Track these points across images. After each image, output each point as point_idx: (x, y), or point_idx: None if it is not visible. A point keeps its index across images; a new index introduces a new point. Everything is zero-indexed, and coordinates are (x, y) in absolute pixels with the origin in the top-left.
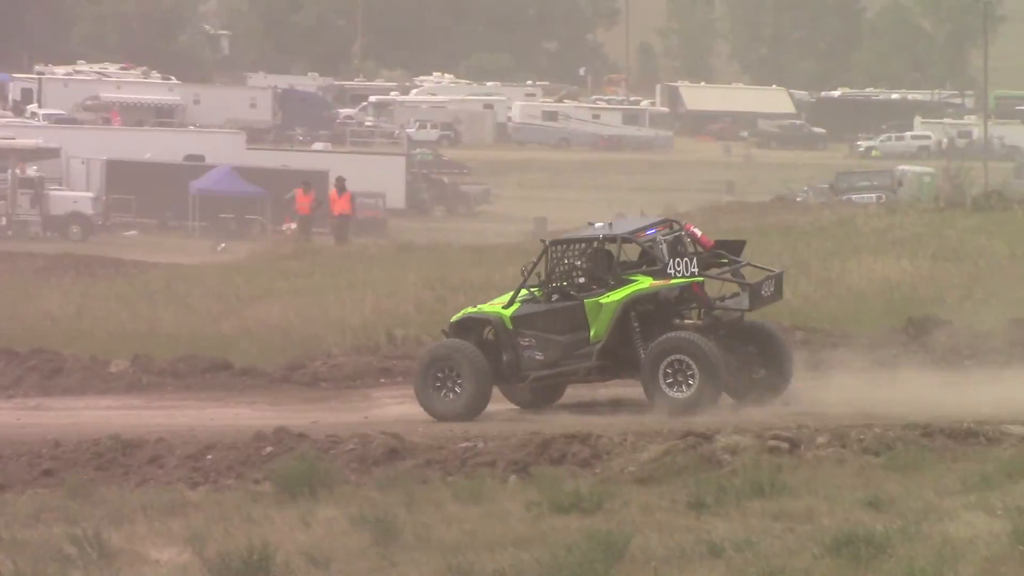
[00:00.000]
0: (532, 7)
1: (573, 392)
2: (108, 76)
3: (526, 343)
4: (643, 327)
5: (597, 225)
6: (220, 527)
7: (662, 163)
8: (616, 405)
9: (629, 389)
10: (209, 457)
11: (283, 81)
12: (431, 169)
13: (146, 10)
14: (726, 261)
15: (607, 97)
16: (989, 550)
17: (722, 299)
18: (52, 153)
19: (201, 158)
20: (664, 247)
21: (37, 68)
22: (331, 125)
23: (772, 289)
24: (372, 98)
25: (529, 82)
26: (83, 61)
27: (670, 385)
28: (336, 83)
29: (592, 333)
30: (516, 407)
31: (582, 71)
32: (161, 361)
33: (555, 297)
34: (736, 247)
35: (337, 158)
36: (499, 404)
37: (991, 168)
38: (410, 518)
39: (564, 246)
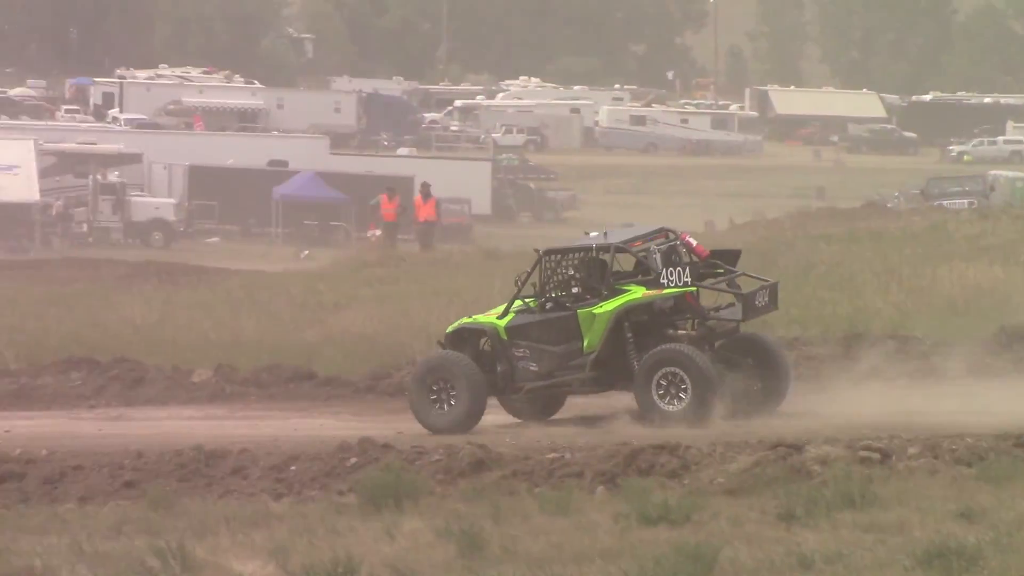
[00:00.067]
0: (620, 10)
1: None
2: (190, 80)
3: (520, 354)
4: (637, 338)
5: (592, 235)
6: (304, 539)
7: (751, 168)
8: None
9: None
10: (293, 468)
11: (368, 85)
12: (517, 174)
13: (229, 13)
14: (722, 271)
15: (695, 101)
16: None
17: (717, 309)
18: (134, 159)
19: (284, 163)
20: (658, 257)
21: (118, 72)
22: (416, 130)
23: (766, 299)
24: (458, 102)
25: (616, 86)
26: (165, 65)
27: (663, 397)
28: (421, 87)
29: (585, 344)
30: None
31: (670, 75)
32: (244, 371)
33: (549, 307)
34: (732, 257)
35: (422, 163)
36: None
37: None
38: (496, 530)
39: (558, 256)
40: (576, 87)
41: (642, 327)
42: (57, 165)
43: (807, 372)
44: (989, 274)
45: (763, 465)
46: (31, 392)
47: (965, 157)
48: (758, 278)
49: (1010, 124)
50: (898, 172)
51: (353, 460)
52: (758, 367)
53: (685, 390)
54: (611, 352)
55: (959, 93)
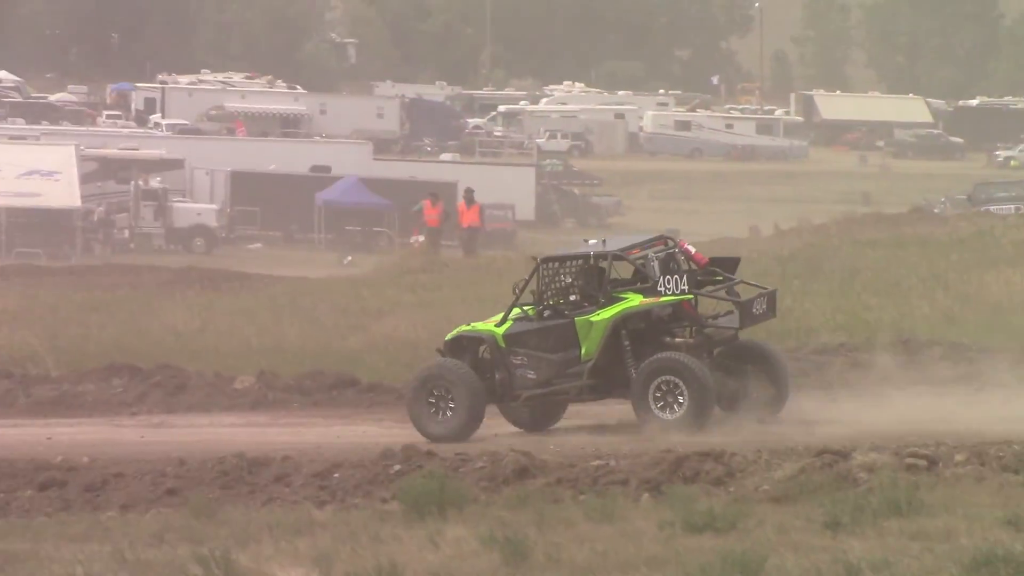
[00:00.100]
0: (664, 15)
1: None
2: (232, 85)
3: (518, 361)
4: (634, 345)
5: (591, 242)
6: (347, 547)
7: (796, 173)
8: None
9: None
10: (336, 475)
11: (411, 90)
12: (561, 180)
13: (271, 18)
14: (721, 279)
15: (740, 106)
16: None
17: (715, 317)
18: (175, 164)
19: (327, 169)
20: (656, 264)
21: (160, 77)
22: (459, 135)
23: (764, 307)
24: (501, 107)
25: (661, 91)
26: (207, 70)
27: (660, 406)
28: (464, 92)
29: (583, 351)
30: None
31: (715, 80)
32: (287, 377)
33: (547, 315)
34: (731, 264)
35: (466, 169)
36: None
37: None
38: (541, 538)
39: (556, 263)
40: (621, 92)
41: (640, 335)
42: (99, 171)
43: (852, 378)
44: None
45: (809, 472)
46: (72, 399)
47: (1012, 162)
48: (757, 286)
49: None
50: (944, 177)
51: (397, 467)
52: (757, 374)
53: (682, 398)
54: (609, 360)
55: (1006, 98)
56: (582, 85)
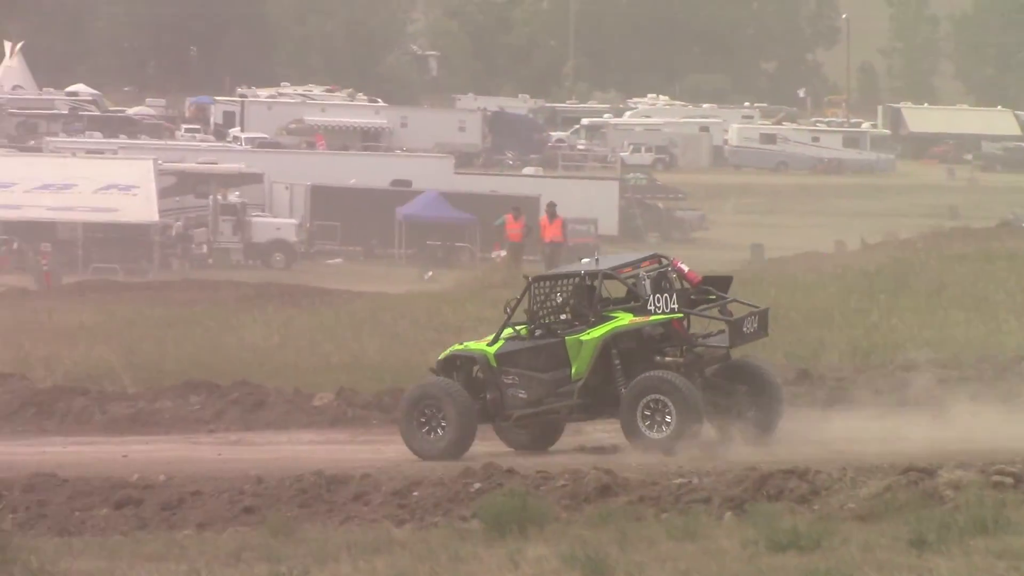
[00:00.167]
0: (750, 27)
1: None
2: (312, 98)
3: (510, 381)
4: (625, 365)
5: (584, 261)
6: (426, 566)
7: (883, 187)
8: None
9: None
10: (415, 494)
11: (493, 103)
12: (645, 194)
13: (352, 30)
14: (714, 297)
15: (827, 119)
16: None
17: (705, 336)
18: (255, 178)
19: (408, 183)
20: (647, 283)
21: (239, 91)
22: (542, 149)
23: (756, 326)
24: (584, 121)
25: (746, 104)
26: (287, 83)
27: (648, 424)
28: (547, 105)
29: (573, 371)
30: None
31: (801, 92)
32: (366, 394)
33: (538, 334)
34: (723, 283)
35: (548, 183)
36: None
37: None
38: (623, 556)
39: (548, 282)
40: (705, 105)
41: (631, 354)
42: (177, 185)
43: (939, 394)
44: None
45: (894, 490)
46: (149, 416)
47: None
48: (750, 304)
49: None
50: None
51: (477, 485)
52: (750, 394)
53: (669, 417)
54: (599, 379)
55: None
56: (666, 98)
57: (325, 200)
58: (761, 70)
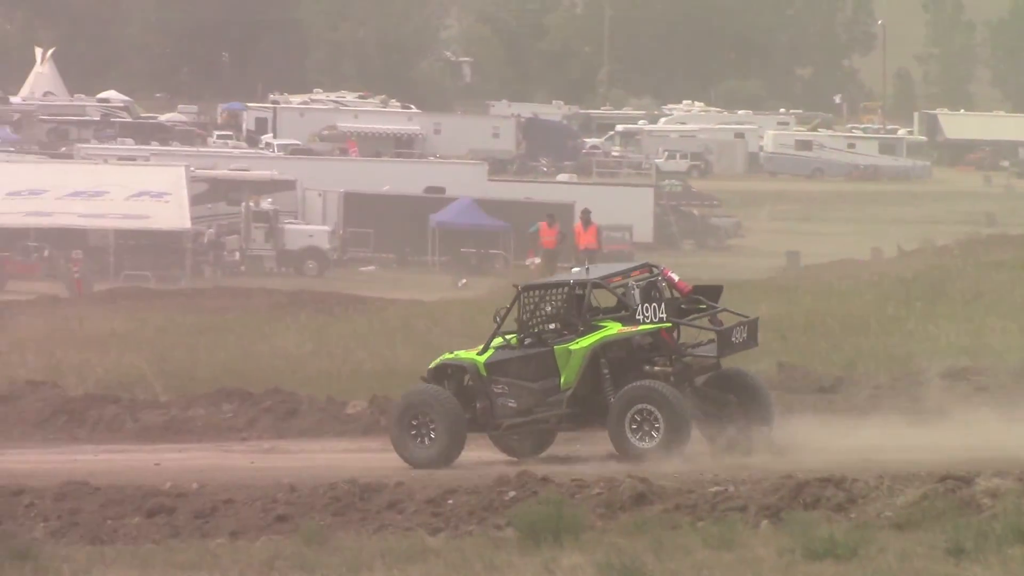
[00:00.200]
0: (785, 32)
1: None
2: (345, 105)
3: (499, 390)
4: (614, 374)
5: (574, 270)
6: (461, 574)
7: (920, 194)
8: None
9: None
10: (450, 502)
11: (527, 110)
12: (680, 201)
13: (385, 37)
14: (704, 307)
15: (863, 126)
16: None
17: (695, 346)
18: (287, 185)
19: (441, 190)
20: (636, 293)
21: (272, 97)
22: (576, 155)
23: (745, 335)
24: (619, 127)
25: (782, 110)
26: (319, 89)
27: (636, 434)
28: (582, 112)
29: (562, 380)
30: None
31: (837, 99)
32: None
33: (528, 343)
34: (714, 292)
35: (583, 190)
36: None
37: None
38: (659, 565)
39: (538, 291)
40: (740, 111)
41: (620, 364)
42: (209, 192)
43: (978, 402)
44: None
45: (931, 498)
46: (181, 424)
47: None
48: (739, 314)
49: None
50: None
51: (511, 493)
52: (740, 404)
53: (658, 426)
54: (588, 388)
55: None
56: (701, 104)
57: (358, 207)
58: (797, 76)
